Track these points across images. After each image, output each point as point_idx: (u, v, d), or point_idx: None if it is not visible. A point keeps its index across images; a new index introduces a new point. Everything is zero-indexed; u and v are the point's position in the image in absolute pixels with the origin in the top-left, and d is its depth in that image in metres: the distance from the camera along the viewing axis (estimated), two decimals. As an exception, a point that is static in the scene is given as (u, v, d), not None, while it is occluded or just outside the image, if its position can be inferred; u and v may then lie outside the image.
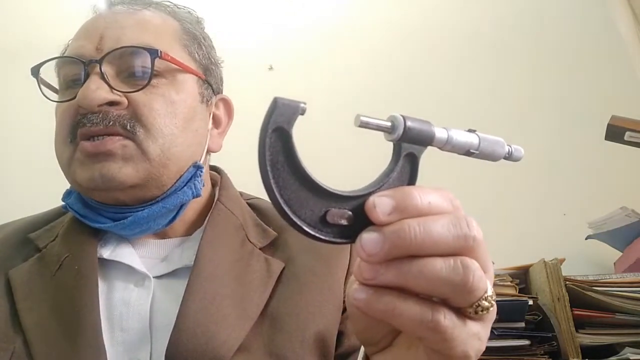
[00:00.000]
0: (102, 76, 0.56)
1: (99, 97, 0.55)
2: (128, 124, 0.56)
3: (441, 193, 0.30)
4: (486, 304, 0.30)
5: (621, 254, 1.15)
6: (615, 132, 1.02)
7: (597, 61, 1.44)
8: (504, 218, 1.27)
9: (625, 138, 1.01)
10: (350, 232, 0.29)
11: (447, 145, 0.32)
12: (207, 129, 0.65)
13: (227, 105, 0.70)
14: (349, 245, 0.64)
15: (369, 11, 1.55)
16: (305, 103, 0.27)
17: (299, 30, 1.52)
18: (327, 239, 0.29)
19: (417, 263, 0.28)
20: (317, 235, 0.28)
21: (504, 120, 1.36)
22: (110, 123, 0.56)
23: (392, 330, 0.34)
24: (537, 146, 1.32)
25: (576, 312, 0.93)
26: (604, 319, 0.93)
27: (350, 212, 0.29)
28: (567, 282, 0.95)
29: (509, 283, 0.97)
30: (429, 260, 0.28)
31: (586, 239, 1.19)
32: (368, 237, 0.28)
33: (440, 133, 0.32)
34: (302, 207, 0.28)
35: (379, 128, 0.30)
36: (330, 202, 0.29)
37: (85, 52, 0.58)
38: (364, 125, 0.29)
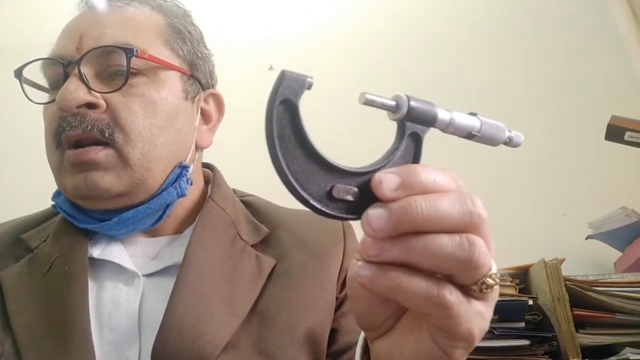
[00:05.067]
0: (81, 77, 0.55)
1: (77, 98, 0.54)
2: (107, 131, 0.55)
3: (445, 172, 0.31)
4: (491, 281, 0.30)
5: (621, 254, 1.15)
6: (615, 132, 1.02)
7: (597, 61, 1.44)
8: (504, 218, 1.26)
9: (625, 138, 1.01)
10: (355, 208, 0.29)
11: (450, 127, 0.33)
12: (194, 126, 0.63)
13: (218, 100, 0.68)
14: (342, 242, 0.64)
15: (368, 11, 1.55)
16: (312, 77, 0.27)
17: (299, 30, 1.53)
18: (333, 213, 0.29)
19: (423, 239, 0.28)
20: (323, 209, 0.28)
21: (504, 119, 1.35)
22: (88, 128, 0.54)
23: (394, 313, 0.34)
24: (537, 146, 1.32)
25: (576, 312, 0.92)
26: (604, 319, 0.93)
27: (356, 189, 0.29)
28: (567, 282, 0.95)
29: (509, 283, 0.96)
30: (435, 236, 0.28)
31: (586, 239, 1.19)
32: (374, 213, 0.28)
33: (442, 114, 0.32)
34: (308, 181, 0.28)
35: (383, 106, 0.30)
36: (336, 177, 0.29)
37: (66, 53, 0.57)
38: (369, 102, 0.29)
